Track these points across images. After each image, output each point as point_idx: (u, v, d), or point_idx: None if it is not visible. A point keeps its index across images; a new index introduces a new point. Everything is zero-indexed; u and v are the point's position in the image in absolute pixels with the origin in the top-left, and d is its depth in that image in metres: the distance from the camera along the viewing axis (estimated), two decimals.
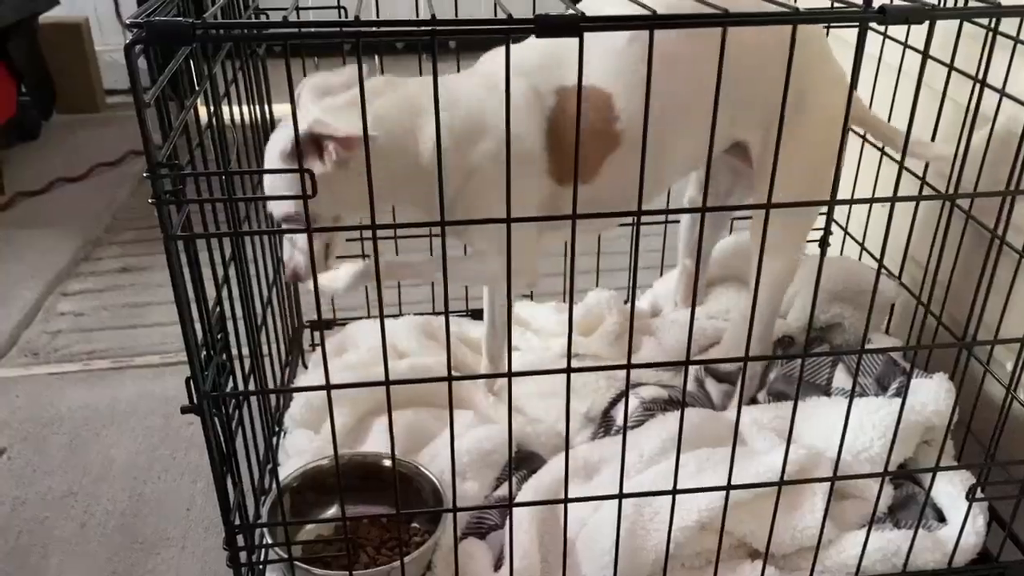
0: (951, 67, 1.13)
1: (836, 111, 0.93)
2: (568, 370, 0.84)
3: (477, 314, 1.57)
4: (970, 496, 1.02)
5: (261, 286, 1.20)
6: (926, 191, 1.24)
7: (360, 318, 1.52)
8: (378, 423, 1.26)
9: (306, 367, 1.48)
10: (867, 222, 1.48)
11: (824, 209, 1.48)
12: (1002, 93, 1.05)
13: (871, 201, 0.92)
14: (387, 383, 0.84)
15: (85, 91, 3.08)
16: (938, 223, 1.15)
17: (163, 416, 1.55)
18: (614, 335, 1.45)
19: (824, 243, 1.10)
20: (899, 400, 1.17)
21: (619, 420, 1.27)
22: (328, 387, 0.83)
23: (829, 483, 1.00)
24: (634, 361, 1.41)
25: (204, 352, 0.87)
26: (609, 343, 1.45)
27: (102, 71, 3.13)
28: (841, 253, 1.55)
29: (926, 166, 1.23)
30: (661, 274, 1.63)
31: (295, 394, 1.31)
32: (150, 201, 0.72)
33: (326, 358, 0.88)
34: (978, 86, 0.98)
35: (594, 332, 1.46)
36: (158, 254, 2.29)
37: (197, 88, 0.89)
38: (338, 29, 0.67)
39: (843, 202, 0.85)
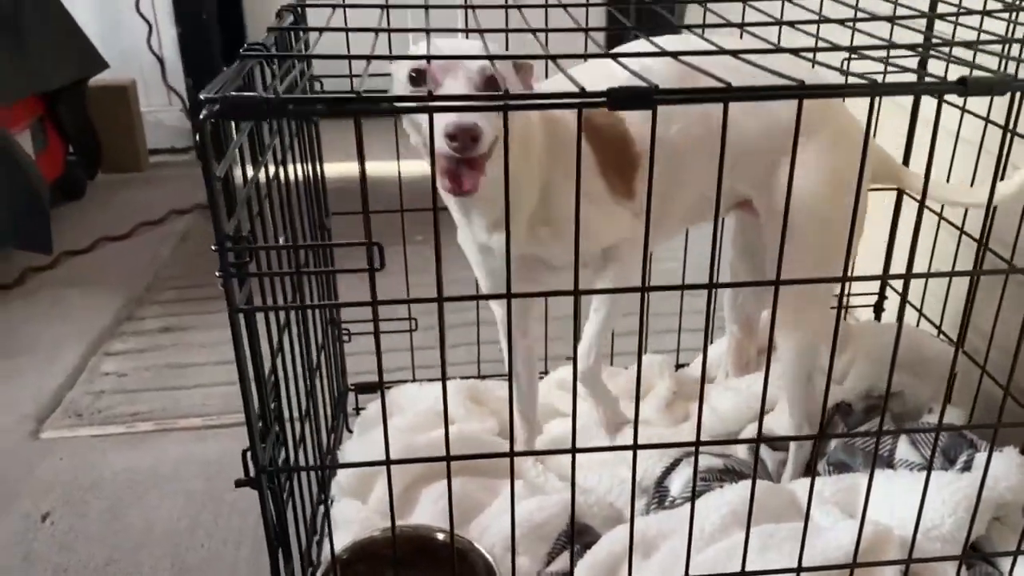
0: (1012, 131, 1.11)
1: (845, 168, 0.90)
2: (635, 447, 0.82)
3: None
4: None
5: (311, 351, 1.19)
6: (989, 257, 1.21)
7: (405, 381, 1.51)
8: (426, 493, 1.23)
9: (350, 431, 1.46)
10: (924, 287, 1.45)
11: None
12: None
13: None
14: (448, 458, 0.82)
15: (130, 151, 3.14)
16: (1002, 293, 1.12)
17: (205, 479, 1.53)
18: (665, 401, 1.42)
19: (879, 308, 1.07)
20: (969, 475, 1.13)
21: (674, 490, 1.23)
22: (388, 462, 0.81)
23: (903, 565, 0.95)
24: (689, 426, 1.40)
25: (261, 423, 0.86)
26: (659, 409, 1.42)
27: (146, 131, 3.20)
28: (900, 318, 1.51)
29: (985, 232, 1.20)
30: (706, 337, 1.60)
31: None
32: (217, 275, 0.72)
33: (387, 429, 0.85)
34: None
35: (644, 397, 1.43)
36: (199, 314, 2.27)
37: (260, 158, 0.89)
38: (414, 104, 0.67)
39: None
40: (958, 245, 1.31)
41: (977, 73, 0.70)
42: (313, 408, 1.16)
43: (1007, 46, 1.04)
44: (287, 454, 0.98)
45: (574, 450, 0.84)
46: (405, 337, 1.51)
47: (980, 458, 1.16)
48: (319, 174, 1.32)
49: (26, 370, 1.90)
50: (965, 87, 0.69)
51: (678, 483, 1.22)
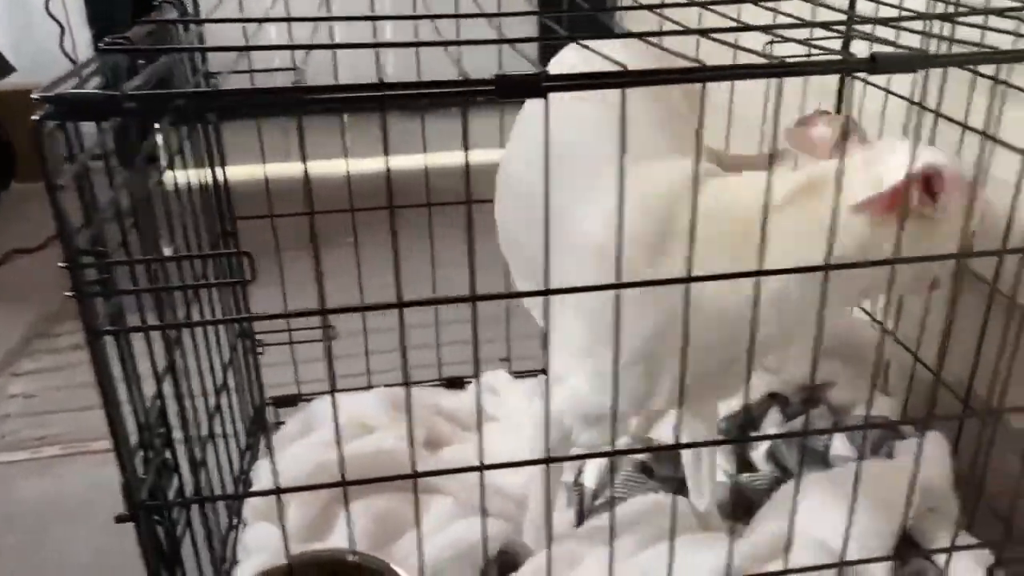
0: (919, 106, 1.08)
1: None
2: (547, 460, 0.76)
3: (453, 382, 1.49)
4: None
5: (214, 365, 1.11)
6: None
7: (325, 392, 1.43)
8: (351, 513, 1.16)
9: (270, 449, 1.39)
10: None
11: None
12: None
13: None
14: (344, 483, 0.75)
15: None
16: None
17: (120, 507, 1.44)
18: None
19: None
20: (890, 463, 1.11)
21: (588, 481, 1.19)
22: (278, 491, 0.74)
23: (835, 569, 0.91)
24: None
25: (142, 453, 0.78)
26: None
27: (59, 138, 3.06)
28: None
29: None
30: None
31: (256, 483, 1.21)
32: (67, 294, 0.64)
33: (275, 469, 0.79)
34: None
35: None
36: None
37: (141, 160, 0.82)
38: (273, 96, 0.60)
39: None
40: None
41: (887, 49, 0.66)
42: (223, 427, 1.09)
43: (928, 23, 1.01)
44: (182, 484, 0.90)
45: (482, 467, 0.78)
46: (322, 345, 1.43)
47: (900, 446, 1.13)
48: (221, 177, 1.24)
49: None
50: (875, 64, 0.65)
51: (591, 474, 1.17)
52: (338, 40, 0.84)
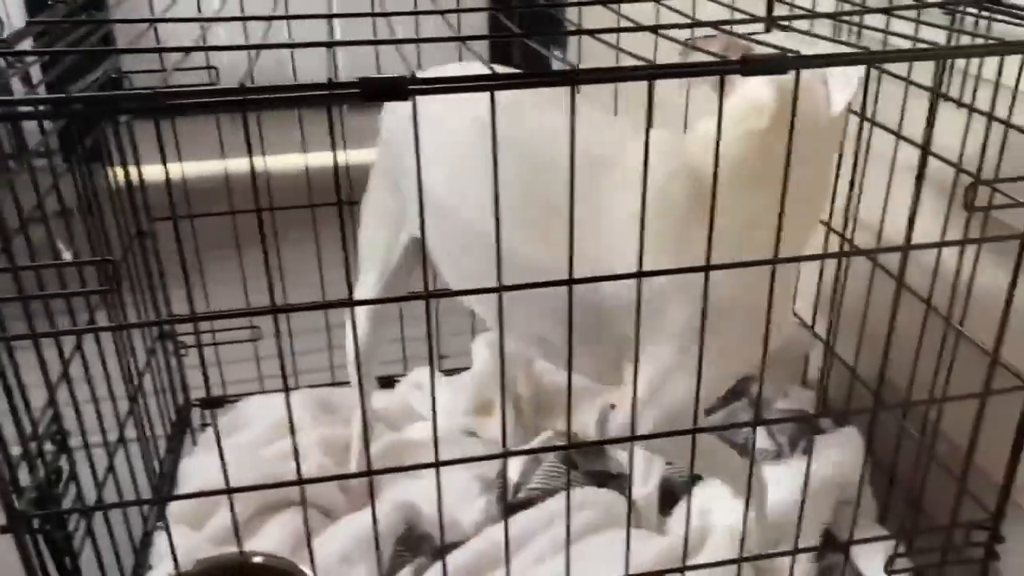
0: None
1: None
2: (436, 464, 0.76)
3: (384, 381, 1.48)
4: (888, 568, 0.96)
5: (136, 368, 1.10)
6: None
7: (253, 393, 1.42)
8: (273, 519, 1.15)
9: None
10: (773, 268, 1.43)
11: None
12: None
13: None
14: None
15: None
16: (845, 271, 1.10)
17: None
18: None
19: None
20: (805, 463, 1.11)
21: (512, 474, 1.18)
22: (161, 499, 0.73)
23: (736, 564, 0.92)
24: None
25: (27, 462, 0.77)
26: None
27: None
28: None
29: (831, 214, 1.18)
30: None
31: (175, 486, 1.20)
32: None
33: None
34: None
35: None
36: None
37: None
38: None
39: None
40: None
41: (759, 50, 0.66)
42: (138, 431, 1.07)
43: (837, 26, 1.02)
44: (80, 490, 0.89)
45: (370, 472, 0.77)
46: (251, 346, 1.42)
47: (820, 440, 1.14)
48: (133, 177, 1.22)
49: None
50: (745, 67, 0.65)
51: (515, 467, 1.17)
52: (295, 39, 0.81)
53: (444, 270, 1.04)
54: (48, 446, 0.83)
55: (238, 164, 1.12)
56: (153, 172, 1.24)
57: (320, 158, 1.22)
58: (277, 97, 0.62)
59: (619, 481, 1.19)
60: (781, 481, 1.06)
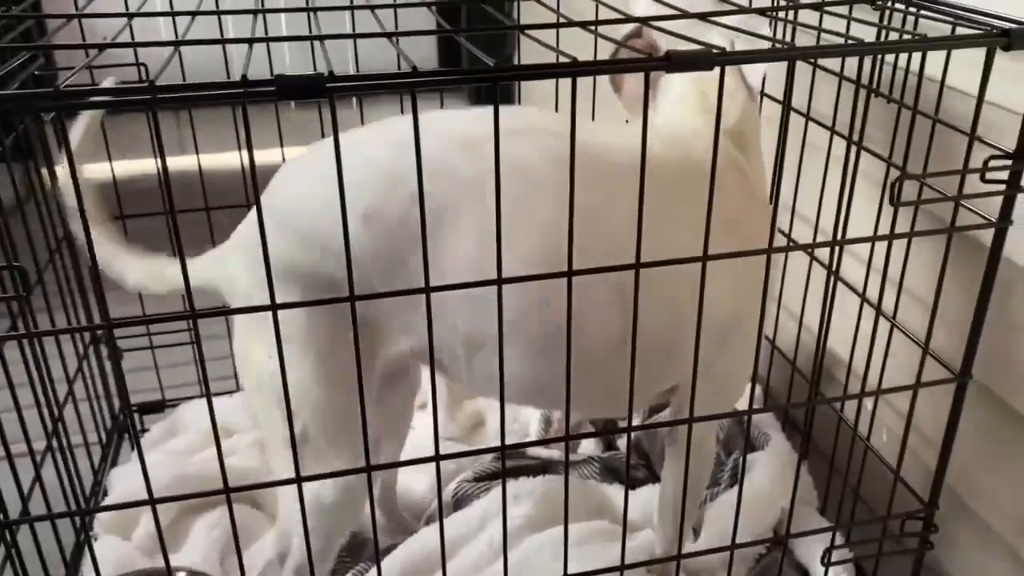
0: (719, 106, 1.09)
1: None
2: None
3: None
4: (825, 560, 0.96)
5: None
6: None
7: (192, 398, 1.39)
8: (200, 523, 1.13)
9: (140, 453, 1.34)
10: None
11: None
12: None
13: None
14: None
15: None
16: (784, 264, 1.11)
17: None
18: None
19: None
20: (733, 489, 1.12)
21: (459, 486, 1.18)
22: (83, 511, 0.71)
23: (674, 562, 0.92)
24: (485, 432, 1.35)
25: None
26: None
27: None
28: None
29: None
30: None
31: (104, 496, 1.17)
32: None
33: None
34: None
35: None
36: None
37: None
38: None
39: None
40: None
41: (684, 46, 0.66)
42: (65, 440, 1.04)
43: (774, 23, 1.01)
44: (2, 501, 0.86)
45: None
46: (189, 350, 1.39)
47: (751, 459, 1.14)
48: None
49: None
50: (671, 63, 0.65)
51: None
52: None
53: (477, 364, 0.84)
54: None
55: (174, 163, 1.10)
56: (92, 171, 1.22)
57: (266, 156, 1.19)
58: (187, 96, 0.60)
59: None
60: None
